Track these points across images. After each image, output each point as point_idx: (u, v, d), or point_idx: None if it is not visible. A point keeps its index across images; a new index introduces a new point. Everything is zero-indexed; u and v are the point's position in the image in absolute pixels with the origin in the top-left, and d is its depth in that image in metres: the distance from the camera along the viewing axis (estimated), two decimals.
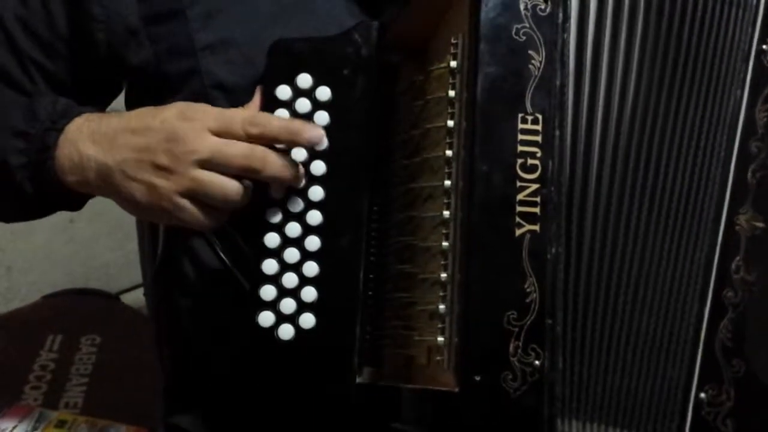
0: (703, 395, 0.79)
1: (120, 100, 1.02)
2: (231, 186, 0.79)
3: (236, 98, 0.87)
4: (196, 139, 0.79)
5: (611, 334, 0.78)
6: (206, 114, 0.80)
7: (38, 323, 1.79)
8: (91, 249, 2.21)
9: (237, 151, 0.79)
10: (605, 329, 0.78)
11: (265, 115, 0.82)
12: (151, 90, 0.93)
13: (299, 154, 0.82)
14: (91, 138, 0.83)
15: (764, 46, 0.83)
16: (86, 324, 1.77)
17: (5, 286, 2.12)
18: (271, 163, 0.79)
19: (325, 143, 0.82)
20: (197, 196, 0.79)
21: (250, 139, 0.79)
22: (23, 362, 1.66)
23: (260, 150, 0.79)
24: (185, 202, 0.79)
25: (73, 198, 0.89)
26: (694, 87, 0.81)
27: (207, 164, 0.79)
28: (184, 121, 0.80)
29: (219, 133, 0.79)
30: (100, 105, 0.98)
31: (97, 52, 0.93)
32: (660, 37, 0.81)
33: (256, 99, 0.84)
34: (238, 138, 0.79)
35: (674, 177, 0.80)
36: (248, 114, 0.81)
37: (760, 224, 0.81)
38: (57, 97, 0.90)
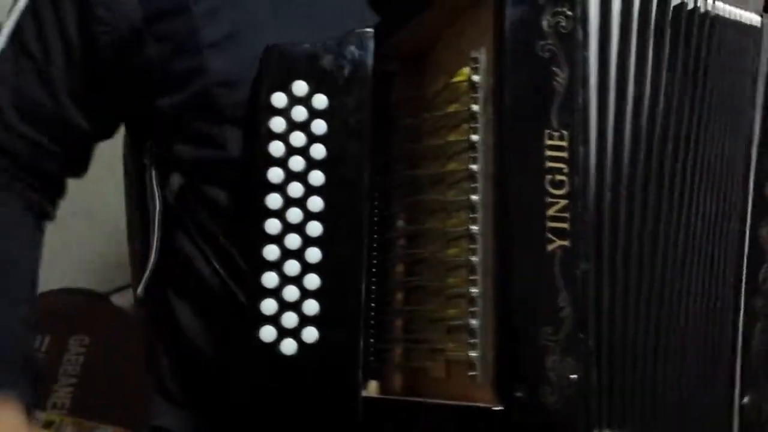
0: (746, 399, 0.82)
1: None
2: None
3: (239, 94, 0.87)
4: None
5: (645, 347, 0.79)
6: None
7: None
8: (80, 249, 2.19)
9: None
10: (639, 342, 0.79)
11: None
12: (152, 94, 0.91)
13: (297, 163, 0.81)
14: None
15: None
16: (75, 324, 1.74)
17: None
18: None
19: None
20: None
21: None
22: None
23: None
24: None
25: None
26: (714, 109, 0.84)
27: None
28: None
29: None
30: (110, 126, 0.99)
31: (102, 56, 0.91)
32: (689, 62, 0.83)
33: None
34: None
35: (704, 197, 0.83)
36: None
37: None
38: None
